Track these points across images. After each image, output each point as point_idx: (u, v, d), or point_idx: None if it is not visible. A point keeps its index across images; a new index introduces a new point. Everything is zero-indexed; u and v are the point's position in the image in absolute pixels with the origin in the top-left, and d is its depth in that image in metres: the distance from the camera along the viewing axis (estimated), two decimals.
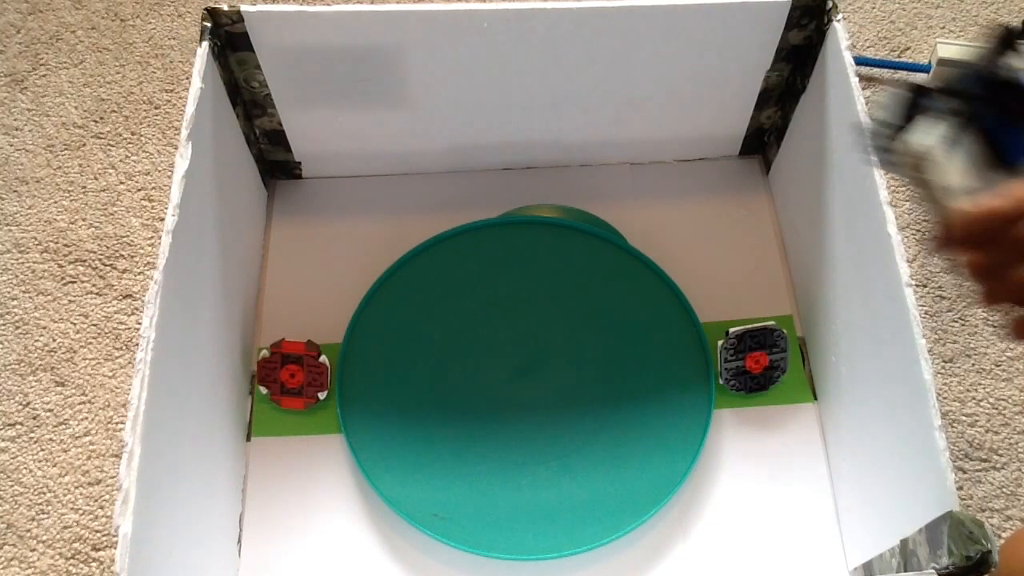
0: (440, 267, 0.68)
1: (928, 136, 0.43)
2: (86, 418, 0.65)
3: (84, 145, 0.77)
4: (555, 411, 0.64)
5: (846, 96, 0.58)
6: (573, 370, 0.65)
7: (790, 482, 0.62)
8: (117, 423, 0.65)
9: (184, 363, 0.52)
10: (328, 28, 0.60)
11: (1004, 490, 0.64)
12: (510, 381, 0.65)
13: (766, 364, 0.64)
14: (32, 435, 0.64)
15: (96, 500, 0.62)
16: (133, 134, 0.77)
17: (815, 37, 0.62)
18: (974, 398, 0.67)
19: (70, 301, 0.69)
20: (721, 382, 0.64)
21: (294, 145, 0.70)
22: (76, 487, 0.63)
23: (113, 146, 0.77)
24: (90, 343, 0.68)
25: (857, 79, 0.57)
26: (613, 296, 0.67)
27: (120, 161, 0.76)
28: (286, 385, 0.63)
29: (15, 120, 0.78)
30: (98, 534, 0.61)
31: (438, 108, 0.67)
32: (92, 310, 0.69)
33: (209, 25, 0.58)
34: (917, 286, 0.71)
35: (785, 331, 0.65)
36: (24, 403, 0.66)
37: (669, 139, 0.73)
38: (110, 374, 0.67)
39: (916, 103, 0.43)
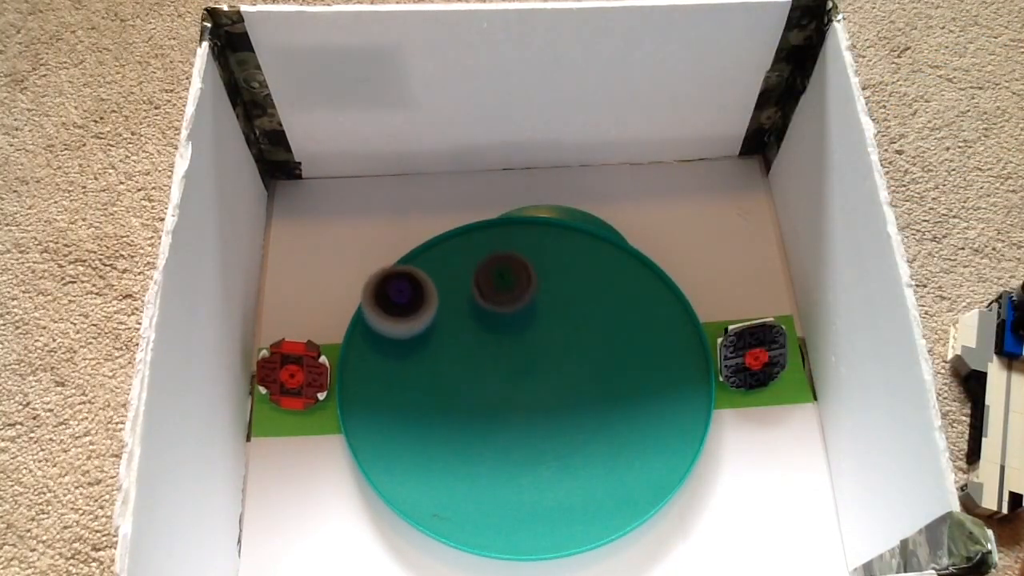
0: (440, 267, 0.68)
1: None
2: (86, 418, 0.65)
3: (84, 145, 0.77)
4: (555, 411, 0.64)
5: (846, 96, 0.58)
6: (573, 370, 0.65)
7: (790, 482, 0.62)
8: (117, 423, 0.65)
9: (184, 363, 0.52)
10: (328, 28, 0.60)
11: None
12: (510, 381, 0.65)
13: (766, 360, 0.64)
14: (32, 435, 0.64)
15: (96, 500, 0.62)
16: (133, 134, 0.77)
17: (815, 37, 0.62)
18: None
19: (70, 301, 0.69)
20: (721, 379, 0.64)
21: (294, 145, 0.70)
22: (76, 487, 0.63)
23: (113, 146, 0.77)
24: (90, 343, 0.68)
25: (857, 79, 0.57)
26: (613, 296, 0.67)
27: (120, 161, 0.76)
28: (285, 385, 0.63)
29: (15, 120, 0.78)
30: (98, 534, 0.61)
31: (438, 108, 0.67)
32: (92, 310, 0.69)
33: (209, 25, 0.58)
34: (917, 286, 0.71)
35: (784, 327, 0.65)
36: (24, 403, 0.66)
37: (669, 139, 0.73)
38: (110, 374, 0.67)
39: None
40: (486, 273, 0.64)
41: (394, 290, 0.63)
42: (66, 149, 0.76)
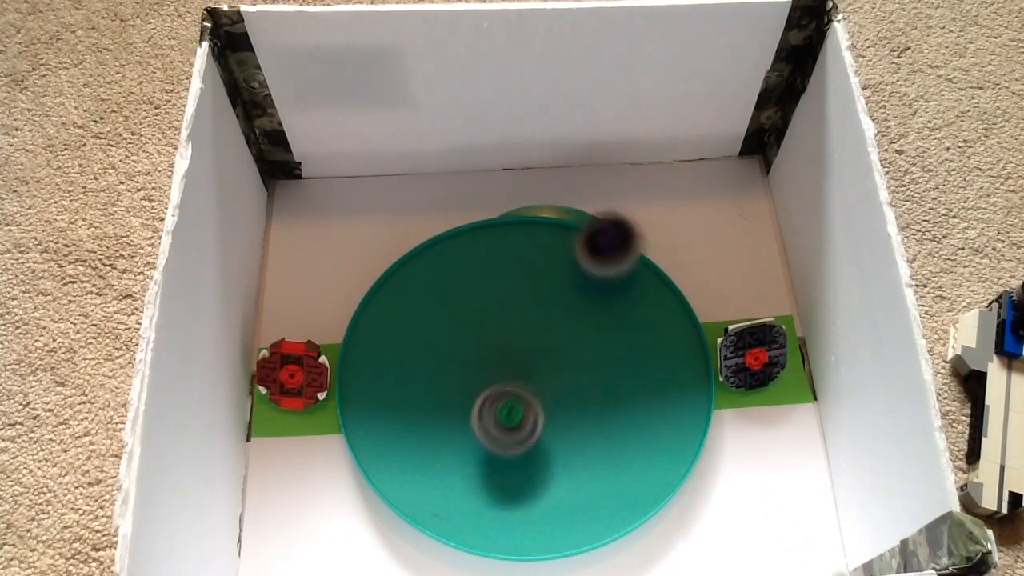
0: (440, 267, 0.68)
1: None
2: (86, 418, 0.65)
3: (84, 145, 0.77)
4: (555, 411, 0.64)
5: (846, 96, 0.58)
6: (573, 370, 0.65)
7: (790, 482, 0.62)
8: (117, 423, 0.65)
9: (184, 363, 0.52)
10: (328, 28, 0.60)
11: None
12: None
13: (765, 360, 0.64)
14: (32, 435, 0.64)
15: (96, 500, 0.62)
16: (133, 134, 0.77)
17: (815, 37, 0.62)
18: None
19: (70, 301, 0.69)
20: (721, 379, 0.64)
21: (294, 145, 0.70)
22: (76, 487, 0.63)
23: (113, 146, 0.77)
24: (90, 343, 0.68)
25: (857, 79, 0.57)
26: (613, 296, 0.67)
27: (120, 161, 0.76)
28: (285, 385, 0.63)
29: (15, 120, 0.78)
30: (98, 534, 0.61)
31: (438, 108, 0.67)
32: (92, 310, 0.69)
33: (209, 25, 0.58)
34: (917, 286, 0.71)
35: (784, 327, 0.65)
36: (24, 403, 0.66)
37: (669, 139, 0.73)
38: (110, 374, 0.67)
39: None
40: (491, 408, 0.59)
41: (604, 239, 0.64)
42: (66, 149, 0.76)
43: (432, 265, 0.68)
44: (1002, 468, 0.62)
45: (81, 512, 0.62)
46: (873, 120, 0.56)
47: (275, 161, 0.72)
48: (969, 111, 0.79)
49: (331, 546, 0.60)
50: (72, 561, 0.60)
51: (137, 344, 0.60)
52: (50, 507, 0.62)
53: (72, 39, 0.82)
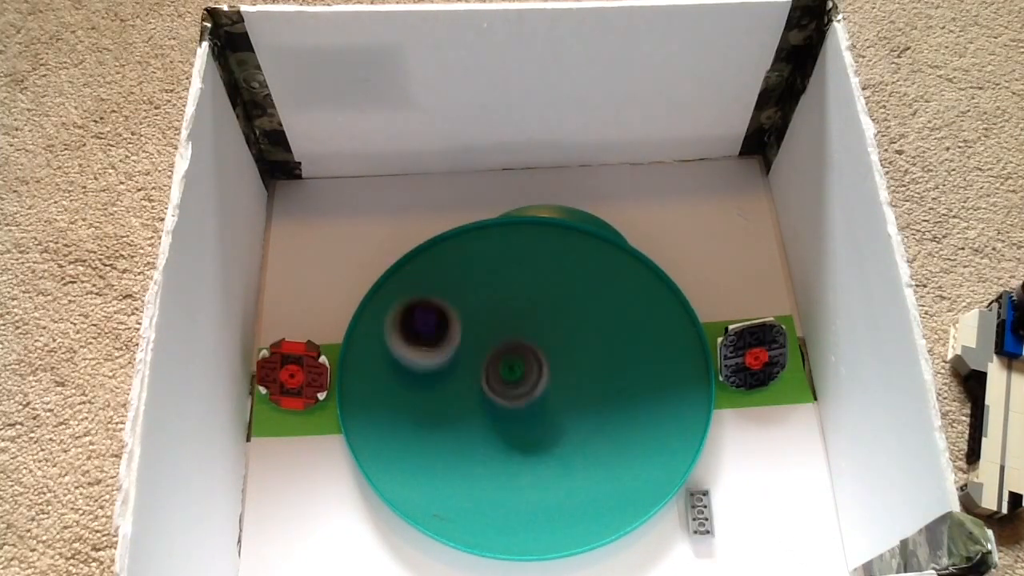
0: (440, 267, 0.68)
1: None
2: (86, 418, 0.65)
3: (84, 145, 0.77)
4: (555, 411, 0.64)
5: (846, 96, 0.58)
6: (573, 370, 0.65)
7: (790, 482, 0.62)
8: (117, 423, 0.65)
9: (184, 363, 0.52)
10: (328, 28, 0.60)
11: None
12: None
13: (765, 360, 0.64)
14: (32, 435, 0.64)
15: (96, 500, 0.62)
16: (133, 134, 0.77)
17: (815, 37, 0.62)
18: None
19: (70, 301, 0.69)
20: (721, 379, 0.64)
21: (294, 145, 0.70)
22: (76, 487, 0.63)
23: (113, 146, 0.77)
24: (90, 343, 0.68)
25: (857, 79, 0.57)
26: (613, 296, 0.67)
27: (120, 161, 0.76)
28: (285, 385, 0.63)
29: (15, 120, 0.78)
30: (98, 534, 0.61)
31: (438, 108, 0.67)
32: (92, 310, 0.69)
33: (209, 25, 0.58)
34: (917, 286, 0.71)
35: (784, 326, 0.65)
36: (24, 403, 0.66)
37: (669, 139, 0.73)
38: (110, 374, 0.67)
39: None
40: (494, 364, 0.61)
41: (420, 321, 0.62)
42: (66, 149, 0.76)
43: (432, 265, 0.68)
44: (1002, 468, 0.62)
45: (81, 512, 0.62)
46: (873, 120, 0.56)
47: (275, 161, 0.72)
48: (969, 111, 0.79)
49: (331, 546, 0.60)
50: (72, 561, 0.60)
51: (137, 344, 0.60)
52: (50, 507, 0.62)
53: (72, 39, 0.82)
